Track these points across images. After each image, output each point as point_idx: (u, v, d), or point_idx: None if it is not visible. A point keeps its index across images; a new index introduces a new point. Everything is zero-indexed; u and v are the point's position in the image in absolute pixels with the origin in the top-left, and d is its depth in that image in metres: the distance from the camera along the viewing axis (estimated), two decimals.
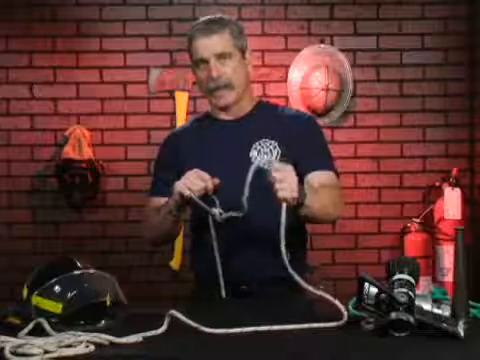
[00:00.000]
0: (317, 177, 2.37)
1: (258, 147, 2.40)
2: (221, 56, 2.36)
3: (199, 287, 2.50)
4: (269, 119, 2.45)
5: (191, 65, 2.45)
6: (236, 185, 2.27)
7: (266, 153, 2.39)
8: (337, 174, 2.45)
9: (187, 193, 2.20)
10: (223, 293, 2.32)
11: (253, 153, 2.39)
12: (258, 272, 2.33)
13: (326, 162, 2.44)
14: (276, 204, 2.25)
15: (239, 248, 2.32)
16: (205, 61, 2.37)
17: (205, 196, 2.22)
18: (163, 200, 2.40)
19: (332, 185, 2.39)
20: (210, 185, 2.21)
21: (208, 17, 2.44)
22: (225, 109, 2.44)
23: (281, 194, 2.12)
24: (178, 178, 2.32)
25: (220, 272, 2.31)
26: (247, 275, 2.34)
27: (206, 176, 2.22)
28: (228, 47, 2.37)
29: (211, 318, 2.00)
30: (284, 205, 2.12)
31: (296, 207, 2.18)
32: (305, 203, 2.19)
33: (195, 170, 2.24)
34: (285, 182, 2.12)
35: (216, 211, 2.22)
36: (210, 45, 2.36)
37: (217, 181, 2.22)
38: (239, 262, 2.34)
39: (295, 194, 2.13)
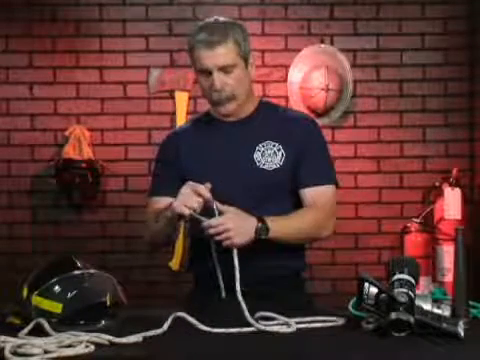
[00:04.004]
0: (311, 195, 2.39)
1: (261, 149, 2.39)
2: (224, 68, 2.33)
3: (198, 288, 2.50)
4: (272, 120, 2.45)
5: (194, 69, 2.43)
6: (239, 188, 2.28)
7: (270, 155, 2.38)
8: (336, 183, 2.45)
9: (187, 213, 2.20)
10: (223, 294, 2.32)
11: (257, 155, 2.39)
12: (257, 273, 2.33)
13: (325, 174, 2.43)
14: (276, 205, 2.27)
15: (238, 249, 2.32)
16: (208, 72, 2.34)
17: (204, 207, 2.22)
18: (163, 200, 2.39)
19: (322, 201, 2.39)
20: (207, 195, 2.20)
21: (211, 21, 2.38)
22: (227, 116, 2.43)
23: (225, 244, 2.18)
24: (178, 178, 2.34)
25: (220, 273, 2.32)
26: (246, 276, 2.34)
27: (201, 189, 2.20)
28: (231, 59, 2.33)
29: (211, 318, 2.00)
30: (234, 251, 2.16)
31: (260, 234, 2.23)
32: (269, 235, 2.24)
33: (189, 184, 2.22)
34: (226, 232, 2.17)
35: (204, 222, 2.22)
36: (213, 57, 2.31)
37: (209, 186, 2.21)
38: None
39: (238, 240, 2.18)
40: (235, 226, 2.18)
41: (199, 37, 2.34)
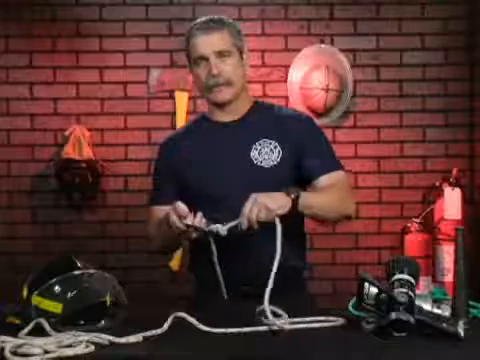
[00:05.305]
0: (325, 180, 2.40)
1: (258, 147, 2.40)
2: (221, 54, 2.37)
3: (199, 289, 2.51)
4: (267, 119, 2.46)
5: (188, 64, 2.46)
6: (238, 187, 2.28)
7: (267, 153, 2.39)
8: (344, 170, 2.47)
9: (193, 236, 2.21)
10: (225, 295, 2.32)
11: (253, 153, 2.40)
12: (259, 273, 2.33)
13: (332, 163, 2.45)
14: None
15: (239, 249, 2.32)
16: (205, 58, 2.38)
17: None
18: (164, 209, 2.41)
19: (340, 184, 2.41)
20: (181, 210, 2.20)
21: (207, 17, 2.44)
22: (222, 106, 2.44)
23: (267, 217, 2.15)
24: (177, 183, 2.41)
25: (220, 274, 2.32)
26: (247, 276, 2.35)
27: (179, 211, 2.20)
28: (227, 45, 2.38)
29: (211, 318, 2.00)
30: (277, 221, 2.14)
31: (293, 210, 2.20)
32: (301, 202, 2.21)
33: (172, 208, 2.21)
34: (255, 208, 2.14)
35: (218, 227, 2.20)
36: (210, 42, 2.37)
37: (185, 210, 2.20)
38: (239, 263, 2.34)
39: (275, 207, 2.15)
40: (265, 198, 2.16)
41: (195, 28, 2.41)
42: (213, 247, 2.27)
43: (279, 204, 2.17)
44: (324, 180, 2.39)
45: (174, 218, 2.19)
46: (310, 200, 2.27)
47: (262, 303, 2.04)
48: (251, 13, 4.26)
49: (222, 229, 2.19)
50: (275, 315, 2.01)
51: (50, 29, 4.24)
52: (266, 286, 2.27)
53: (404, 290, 1.87)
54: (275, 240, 2.22)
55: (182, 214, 2.18)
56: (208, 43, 2.37)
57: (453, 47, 4.28)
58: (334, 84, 4.14)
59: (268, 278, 2.30)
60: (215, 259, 2.30)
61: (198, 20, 2.45)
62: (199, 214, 2.20)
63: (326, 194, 2.35)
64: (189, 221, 2.17)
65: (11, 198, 4.24)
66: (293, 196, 2.19)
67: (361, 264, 4.21)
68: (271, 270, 2.14)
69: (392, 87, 4.30)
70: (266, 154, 2.39)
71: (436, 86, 4.29)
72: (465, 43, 4.27)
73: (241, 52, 2.43)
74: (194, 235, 2.21)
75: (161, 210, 2.43)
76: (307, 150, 2.41)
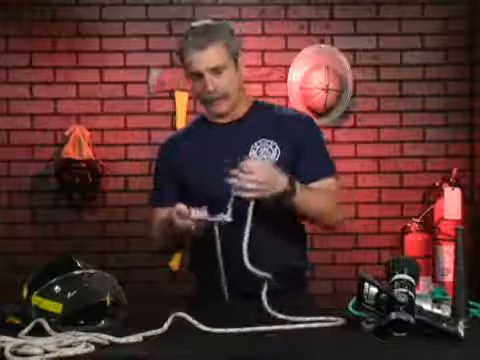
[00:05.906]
0: (315, 187, 2.40)
1: (257, 147, 2.41)
2: (216, 70, 2.36)
3: (200, 288, 2.51)
4: (266, 119, 2.46)
5: (186, 73, 2.46)
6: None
7: (265, 153, 2.40)
8: (336, 177, 2.47)
9: (193, 228, 2.22)
10: (226, 294, 2.33)
11: (252, 153, 2.40)
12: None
13: (326, 168, 2.46)
14: (278, 205, 2.27)
15: (238, 249, 2.32)
16: (200, 74, 2.38)
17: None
18: (165, 210, 2.41)
19: (331, 191, 2.42)
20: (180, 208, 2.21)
21: (199, 25, 2.42)
22: (222, 116, 2.45)
23: (246, 196, 2.18)
24: (178, 184, 2.42)
25: (223, 273, 2.32)
26: (248, 276, 2.34)
27: (180, 211, 2.21)
28: (222, 59, 2.37)
29: (211, 318, 2.00)
30: (251, 205, 2.17)
31: (285, 196, 2.23)
32: (297, 194, 2.24)
33: (173, 211, 2.23)
34: (249, 182, 2.17)
35: (222, 216, 2.21)
36: (204, 59, 2.36)
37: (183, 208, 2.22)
38: (240, 263, 2.34)
39: (261, 189, 2.18)
40: (262, 177, 2.19)
41: (188, 41, 2.39)
42: (218, 240, 2.27)
43: (275, 191, 2.20)
44: (314, 187, 2.39)
45: (179, 221, 2.20)
46: (301, 196, 2.28)
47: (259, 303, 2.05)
48: (251, 13, 4.26)
49: (226, 216, 2.20)
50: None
51: (50, 29, 4.24)
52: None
53: (404, 290, 1.87)
54: (274, 237, 2.22)
55: (184, 213, 2.18)
56: (203, 60, 2.35)
57: (453, 47, 4.28)
58: (334, 84, 4.14)
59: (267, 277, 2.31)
60: (219, 253, 2.29)
61: (194, 25, 2.43)
62: (202, 207, 2.21)
63: (318, 197, 2.37)
64: (194, 215, 2.18)
65: (11, 198, 4.24)
66: (290, 189, 2.23)
67: (361, 264, 4.21)
68: (272, 271, 2.14)
69: (392, 87, 4.30)
70: (265, 153, 2.40)
71: (436, 86, 4.29)
72: (465, 43, 4.27)
73: (236, 58, 2.41)
74: (201, 229, 2.22)
75: (162, 212, 2.44)
76: (304, 151, 2.42)
